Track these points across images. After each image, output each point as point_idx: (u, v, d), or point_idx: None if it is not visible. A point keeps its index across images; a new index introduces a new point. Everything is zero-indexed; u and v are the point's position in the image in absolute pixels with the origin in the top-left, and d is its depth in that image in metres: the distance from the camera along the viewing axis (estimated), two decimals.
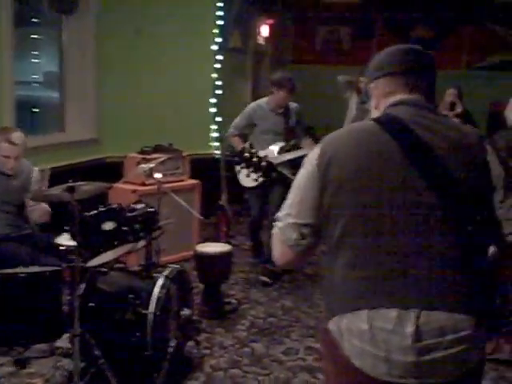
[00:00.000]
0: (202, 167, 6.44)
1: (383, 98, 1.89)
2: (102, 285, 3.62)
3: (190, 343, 4.00)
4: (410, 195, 1.68)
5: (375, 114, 1.91)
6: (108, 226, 3.42)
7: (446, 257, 1.67)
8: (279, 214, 1.87)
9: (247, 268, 5.92)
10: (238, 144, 5.63)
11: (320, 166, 1.76)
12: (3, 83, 4.93)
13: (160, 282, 3.52)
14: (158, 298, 3.44)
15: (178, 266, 3.83)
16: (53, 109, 6.30)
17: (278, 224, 1.86)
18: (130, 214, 3.55)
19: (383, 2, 10.60)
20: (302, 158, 5.49)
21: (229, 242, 5.66)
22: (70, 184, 3.10)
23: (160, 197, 4.12)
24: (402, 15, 10.79)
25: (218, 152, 7.13)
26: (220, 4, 7.35)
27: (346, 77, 7.47)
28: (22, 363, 3.57)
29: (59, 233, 3.60)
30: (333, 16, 11.20)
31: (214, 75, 7.33)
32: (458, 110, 7.34)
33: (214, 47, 7.28)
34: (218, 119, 7.38)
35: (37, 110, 6.55)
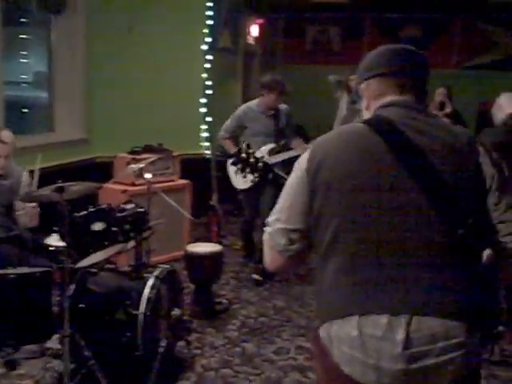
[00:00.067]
0: (193, 167, 6.43)
1: (373, 99, 1.87)
2: (92, 285, 3.61)
3: (181, 343, 4.00)
4: (400, 198, 1.66)
5: (366, 115, 1.90)
6: (98, 226, 3.41)
7: (437, 261, 1.65)
8: (269, 219, 1.85)
9: (238, 268, 5.92)
10: (229, 147, 5.66)
11: (309, 171, 1.75)
12: None
13: (150, 282, 3.51)
14: (149, 299, 3.43)
15: (168, 266, 3.82)
16: (42, 109, 6.27)
17: (268, 229, 1.85)
18: (119, 215, 3.55)
19: (372, 1, 10.61)
20: (294, 158, 5.53)
21: (220, 242, 5.68)
22: (60, 184, 3.08)
23: (150, 197, 4.11)
24: (391, 15, 10.82)
25: (208, 152, 7.13)
26: (209, 4, 7.34)
27: (336, 76, 7.49)
28: (11, 364, 3.54)
29: (48, 233, 3.59)
30: (322, 16, 11.20)
31: (204, 75, 7.32)
32: (448, 109, 7.37)
33: (204, 47, 7.27)
34: (209, 119, 7.37)
35: (26, 111, 6.51)
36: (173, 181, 6.07)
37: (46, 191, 3.15)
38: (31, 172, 4.15)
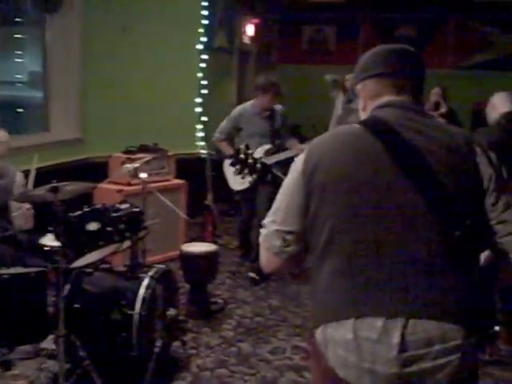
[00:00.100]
0: (188, 167, 6.42)
1: (370, 99, 1.85)
2: (87, 285, 3.60)
3: (177, 343, 3.99)
4: (396, 200, 1.64)
5: (363, 115, 1.88)
6: (92, 226, 3.40)
7: (433, 263, 1.63)
8: (265, 221, 1.84)
9: (234, 267, 5.91)
10: (225, 148, 5.70)
11: (305, 173, 1.74)
12: None
13: (145, 282, 3.51)
14: (144, 299, 3.43)
15: (163, 266, 3.82)
16: (37, 109, 6.26)
17: (264, 231, 1.84)
18: (114, 214, 3.54)
19: (368, 1, 10.63)
20: (290, 158, 5.49)
21: (215, 242, 5.67)
22: (54, 184, 3.07)
23: (145, 197, 4.10)
24: (387, 15, 10.83)
25: (203, 151, 7.13)
26: (205, 3, 7.34)
27: (332, 76, 7.51)
28: (6, 365, 3.53)
29: (43, 233, 3.58)
30: (318, 15, 11.21)
31: (200, 74, 7.32)
32: (443, 109, 7.39)
33: (200, 46, 7.26)
34: (204, 119, 7.37)
35: (21, 110, 6.50)
36: (168, 180, 6.06)
37: (41, 191, 3.14)
38: (27, 171, 4.15)
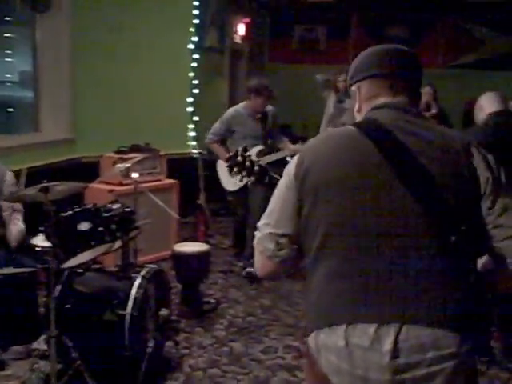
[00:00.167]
0: (180, 167, 6.42)
1: (365, 101, 1.83)
2: (79, 286, 3.59)
3: (169, 343, 3.99)
4: (390, 203, 1.62)
5: (358, 117, 1.86)
6: (84, 226, 3.39)
7: (428, 268, 1.60)
8: (259, 224, 1.83)
9: (226, 267, 5.91)
10: (218, 150, 5.75)
11: (297, 176, 1.72)
12: None
13: (137, 282, 3.50)
14: (136, 299, 3.42)
15: (155, 266, 3.81)
16: (28, 108, 6.22)
17: (257, 234, 1.82)
18: (106, 214, 3.52)
19: (359, 1, 10.65)
20: (282, 159, 5.51)
21: (207, 242, 5.67)
22: (45, 184, 3.06)
23: (137, 197, 4.10)
24: (377, 14, 10.85)
25: (195, 151, 7.12)
26: (196, 3, 7.33)
27: (323, 76, 7.51)
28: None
29: (34, 234, 3.56)
30: (309, 15, 11.22)
31: (191, 74, 7.32)
32: (433, 110, 7.40)
33: (191, 46, 7.26)
34: (195, 118, 7.37)
35: (11, 110, 6.46)
36: (160, 180, 6.06)
37: (31, 191, 3.12)
38: (18, 171, 4.13)
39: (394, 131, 1.68)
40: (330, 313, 1.66)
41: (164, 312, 3.68)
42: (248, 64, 10.28)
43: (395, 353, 1.57)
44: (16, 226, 3.92)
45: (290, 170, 1.77)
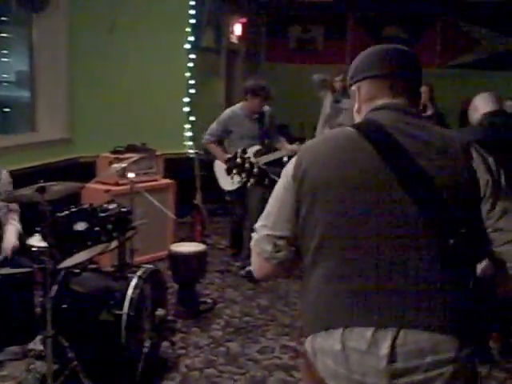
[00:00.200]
0: (176, 167, 6.42)
1: (365, 102, 1.81)
2: (75, 286, 3.58)
3: (165, 343, 3.98)
4: (388, 205, 1.60)
5: (357, 118, 1.84)
6: (80, 226, 3.39)
7: (426, 272, 1.58)
8: (256, 225, 1.81)
9: (223, 267, 5.91)
10: (215, 150, 5.78)
11: (295, 177, 1.71)
12: None
13: (133, 282, 3.49)
14: (132, 299, 3.41)
15: (151, 266, 3.80)
16: (24, 108, 6.22)
17: (255, 235, 1.81)
18: (102, 214, 3.52)
19: (356, 1, 10.66)
20: (280, 159, 5.48)
21: (204, 242, 5.67)
22: (41, 184, 3.06)
23: (133, 197, 4.09)
24: (374, 14, 10.86)
25: (191, 151, 7.12)
26: (192, 3, 7.33)
27: (320, 76, 7.51)
28: None
29: (31, 234, 3.55)
30: (306, 15, 11.22)
31: (188, 74, 7.31)
32: (429, 112, 7.40)
33: (187, 46, 7.25)
34: (192, 118, 7.36)
35: (8, 110, 6.45)
36: (156, 180, 6.05)
37: (28, 191, 3.12)
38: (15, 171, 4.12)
39: (393, 133, 1.66)
40: (327, 316, 1.64)
41: (160, 312, 3.68)
42: (244, 64, 10.28)
43: (392, 357, 1.55)
44: (12, 226, 3.91)
45: (287, 171, 1.76)
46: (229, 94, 9.31)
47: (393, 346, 1.55)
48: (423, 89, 7.43)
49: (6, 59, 6.25)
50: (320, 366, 1.66)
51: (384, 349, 1.55)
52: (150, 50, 6.65)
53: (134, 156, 4.83)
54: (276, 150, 5.78)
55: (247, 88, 5.56)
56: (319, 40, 11.58)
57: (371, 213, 1.61)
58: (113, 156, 5.69)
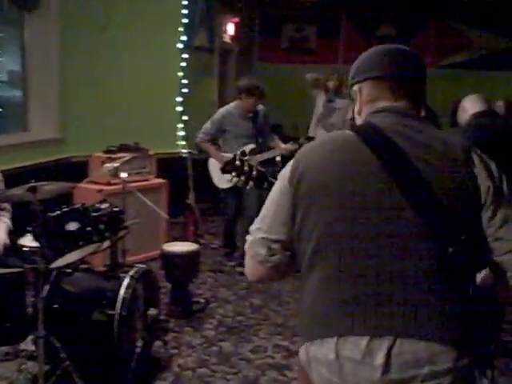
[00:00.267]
0: (169, 166, 6.41)
1: (366, 104, 1.78)
2: (67, 286, 3.57)
3: (158, 343, 3.98)
4: (385, 211, 1.57)
5: (358, 120, 1.81)
6: (72, 226, 3.38)
7: (424, 280, 1.54)
8: (251, 228, 1.79)
9: (215, 267, 5.91)
10: (210, 149, 5.81)
11: (292, 181, 1.68)
12: None
13: (126, 282, 3.48)
14: (124, 299, 3.40)
15: (143, 266, 3.80)
16: (16, 108, 6.20)
17: (249, 238, 1.79)
18: (94, 214, 3.51)
19: (349, 0, 10.66)
20: (274, 158, 5.47)
21: (197, 241, 5.66)
22: (32, 184, 3.05)
23: (125, 196, 4.08)
24: (367, 14, 10.87)
25: (184, 151, 7.12)
26: (185, 2, 7.32)
27: (313, 75, 7.54)
28: None
29: (22, 234, 3.54)
30: (299, 14, 11.22)
31: (180, 74, 7.31)
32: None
33: (180, 46, 7.25)
34: (185, 118, 7.36)
35: (0, 110, 6.43)
36: (149, 180, 6.04)
37: (19, 191, 3.11)
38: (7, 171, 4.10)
39: (392, 136, 1.63)
40: (323, 324, 1.61)
41: (153, 312, 3.68)
42: (237, 63, 10.28)
43: (387, 367, 1.51)
44: (2, 223, 3.89)
45: (284, 174, 1.73)
46: (222, 94, 9.31)
47: (388, 356, 1.51)
48: None
49: None
50: (314, 376, 1.64)
51: (379, 358, 1.52)
52: (142, 50, 6.64)
53: (127, 156, 4.82)
54: (270, 148, 5.80)
55: (241, 87, 5.57)
56: (312, 39, 11.58)
57: (369, 217, 1.58)
58: (105, 156, 5.68)
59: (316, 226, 1.63)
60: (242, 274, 5.51)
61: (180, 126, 7.34)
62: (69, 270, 3.59)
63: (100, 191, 5.26)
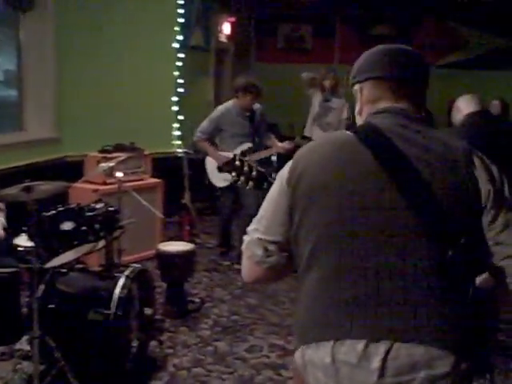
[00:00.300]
0: (165, 166, 6.41)
1: (366, 104, 1.76)
2: (62, 286, 3.57)
3: (153, 343, 3.98)
4: (384, 213, 1.56)
5: (358, 120, 1.80)
6: (67, 226, 3.37)
7: (423, 283, 1.53)
8: (249, 228, 1.78)
9: (211, 266, 5.91)
10: (207, 147, 5.82)
11: (290, 182, 1.67)
12: None
13: (121, 281, 3.49)
14: (120, 298, 3.41)
15: (139, 266, 3.80)
16: (12, 107, 6.19)
17: (246, 238, 1.78)
18: (89, 214, 3.51)
19: None
20: (270, 157, 5.48)
21: (193, 241, 5.67)
22: (27, 184, 3.05)
23: (121, 196, 4.08)
24: (363, 13, 10.88)
25: (180, 150, 7.12)
26: (181, 2, 7.32)
27: (309, 74, 7.53)
28: None
29: (17, 233, 3.54)
30: (295, 14, 11.22)
31: (176, 73, 7.30)
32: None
33: (176, 45, 7.24)
34: (181, 117, 7.35)
35: None
36: (144, 179, 6.03)
37: (14, 190, 3.11)
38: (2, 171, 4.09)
39: (392, 137, 1.61)
40: (321, 325, 1.59)
41: (148, 311, 3.68)
42: (233, 63, 10.28)
43: (383, 371, 1.50)
44: None
45: (283, 175, 1.72)
46: (218, 94, 9.30)
47: (384, 360, 1.50)
48: None
49: None
50: (310, 379, 1.63)
51: (375, 362, 1.50)
52: (138, 49, 6.63)
53: (122, 155, 4.82)
54: (267, 147, 5.81)
55: (238, 85, 5.58)
56: (308, 39, 11.59)
57: (369, 217, 1.57)
58: (101, 155, 5.67)
59: (315, 227, 1.62)
60: (239, 271, 5.51)
61: (176, 125, 7.34)
62: (64, 270, 3.59)
63: (95, 191, 5.26)
